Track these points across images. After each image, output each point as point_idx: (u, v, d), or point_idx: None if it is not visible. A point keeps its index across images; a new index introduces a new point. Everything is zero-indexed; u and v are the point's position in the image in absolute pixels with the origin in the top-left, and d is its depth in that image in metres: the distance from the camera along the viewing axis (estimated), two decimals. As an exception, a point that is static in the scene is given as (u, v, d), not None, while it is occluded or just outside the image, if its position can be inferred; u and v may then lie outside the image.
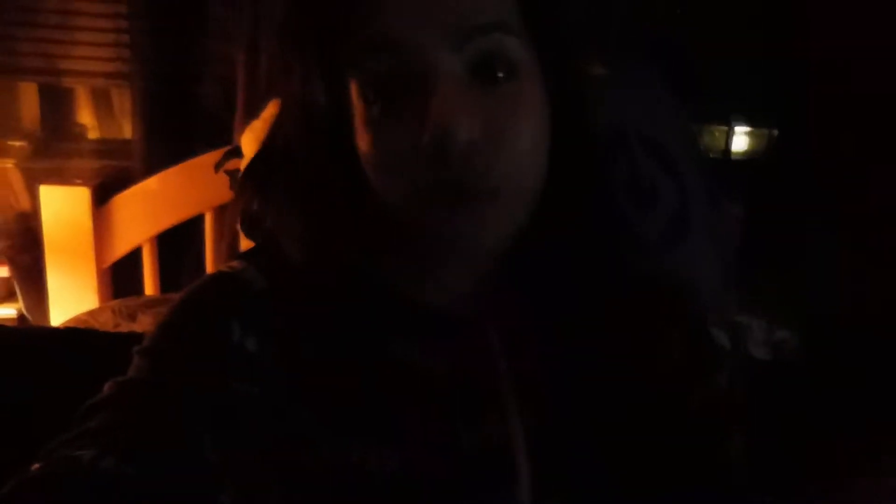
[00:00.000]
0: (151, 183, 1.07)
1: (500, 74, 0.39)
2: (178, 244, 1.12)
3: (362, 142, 0.40)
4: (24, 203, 1.13)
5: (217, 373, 0.40)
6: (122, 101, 1.23)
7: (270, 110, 0.85)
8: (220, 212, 1.08)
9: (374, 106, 0.39)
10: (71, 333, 0.59)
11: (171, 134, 1.11)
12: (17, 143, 1.17)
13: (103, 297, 1.10)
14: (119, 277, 1.15)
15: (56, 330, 0.57)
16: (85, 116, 1.26)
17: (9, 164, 1.11)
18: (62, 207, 1.03)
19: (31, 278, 1.10)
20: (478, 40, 0.38)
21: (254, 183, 0.47)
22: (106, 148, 1.22)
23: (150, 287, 1.10)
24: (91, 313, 0.87)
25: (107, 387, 0.39)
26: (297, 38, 0.42)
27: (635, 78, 0.80)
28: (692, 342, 0.47)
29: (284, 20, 0.45)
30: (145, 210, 1.08)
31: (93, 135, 1.25)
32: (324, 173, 0.43)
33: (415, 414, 0.40)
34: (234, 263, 0.46)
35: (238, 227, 0.48)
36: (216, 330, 0.41)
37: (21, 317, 1.09)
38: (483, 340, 0.42)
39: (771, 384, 0.60)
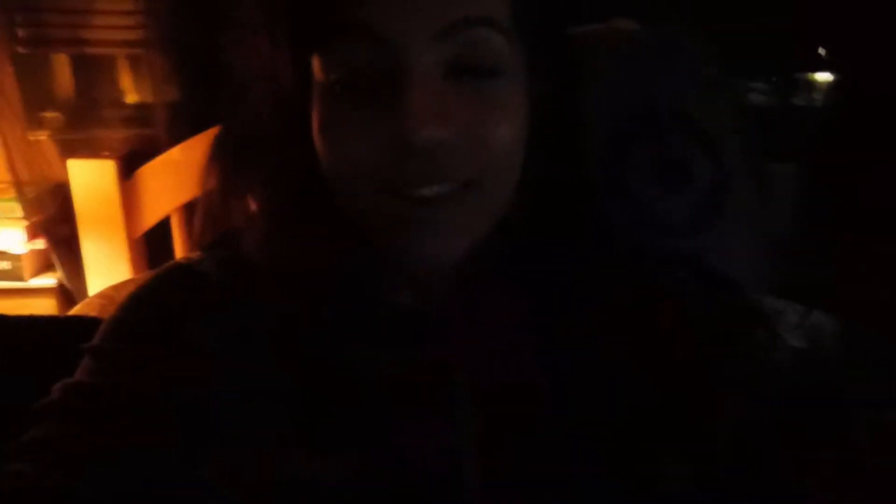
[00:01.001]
0: (175, 153, 1.07)
1: (482, 70, 0.36)
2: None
3: (322, 132, 0.38)
4: (60, 174, 1.16)
5: (171, 374, 0.38)
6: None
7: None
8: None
9: (340, 94, 0.37)
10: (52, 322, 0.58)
11: (195, 102, 1.11)
12: (51, 115, 1.19)
13: (137, 267, 1.12)
14: (154, 247, 1.17)
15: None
16: (121, 84, 1.26)
17: (42, 135, 1.13)
18: (90, 180, 1.04)
19: (69, 249, 1.13)
20: (462, 34, 0.36)
21: (218, 165, 0.45)
22: (142, 115, 1.23)
23: (180, 256, 1.11)
24: (115, 287, 0.88)
25: (55, 389, 0.38)
26: (270, 11, 0.39)
27: (669, 48, 0.73)
28: (704, 336, 0.42)
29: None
30: (171, 180, 1.08)
31: (131, 101, 1.26)
32: (288, 160, 0.40)
33: (362, 419, 0.38)
34: (193, 254, 0.44)
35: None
36: (170, 327, 0.39)
37: (61, 286, 1.12)
38: (443, 343, 0.39)
39: (803, 372, 0.55)
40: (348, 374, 0.39)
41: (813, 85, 1.15)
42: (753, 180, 0.78)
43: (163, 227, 1.17)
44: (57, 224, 1.09)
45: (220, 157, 0.45)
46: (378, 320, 0.40)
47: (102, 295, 0.93)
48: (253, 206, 0.43)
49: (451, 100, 0.36)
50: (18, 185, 1.04)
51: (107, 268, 1.12)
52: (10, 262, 1.06)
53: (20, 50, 1.10)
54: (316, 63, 0.37)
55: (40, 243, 1.07)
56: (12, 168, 1.04)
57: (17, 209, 1.05)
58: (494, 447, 0.39)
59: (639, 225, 0.67)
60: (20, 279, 1.07)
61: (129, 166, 1.11)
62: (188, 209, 1.05)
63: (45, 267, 1.12)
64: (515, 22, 0.37)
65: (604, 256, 0.42)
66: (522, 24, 0.38)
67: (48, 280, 1.10)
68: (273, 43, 0.39)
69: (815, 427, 0.47)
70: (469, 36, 0.36)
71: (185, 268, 0.43)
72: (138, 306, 0.42)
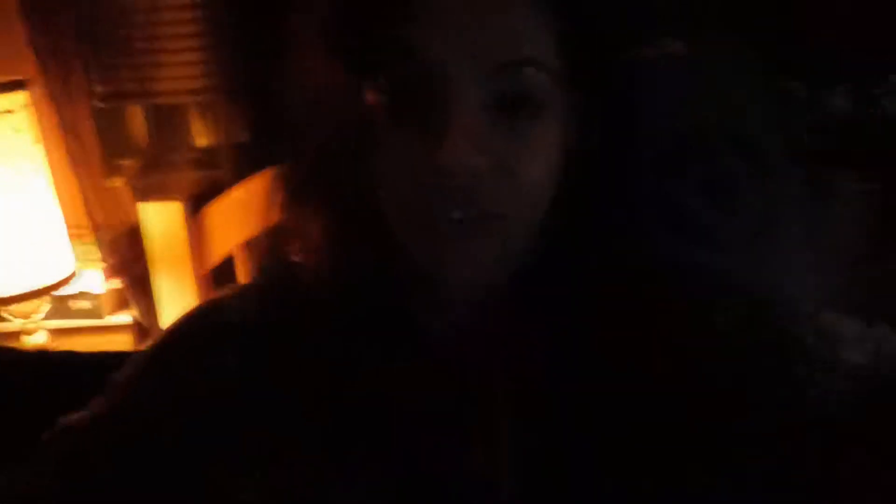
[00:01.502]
0: (238, 192, 1.12)
1: (524, 108, 0.37)
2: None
3: (375, 156, 0.39)
4: (134, 218, 1.24)
5: (187, 412, 0.40)
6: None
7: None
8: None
9: (390, 118, 0.38)
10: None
11: (257, 141, 1.16)
12: (127, 162, 1.27)
13: (206, 302, 1.18)
14: (221, 281, 1.23)
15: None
16: (189, 130, 1.35)
17: (119, 182, 1.21)
18: (159, 221, 1.10)
19: (143, 288, 1.20)
20: (511, 73, 0.36)
21: (281, 200, 0.47)
22: (208, 158, 1.30)
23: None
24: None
25: (64, 420, 0.40)
26: (327, 39, 0.41)
27: (717, 66, 0.72)
28: (733, 369, 0.41)
29: (325, 20, 0.43)
30: (234, 218, 1.13)
31: (198, 145, 1.34)
32: (347, 187, 0.42)
33: (396, 445, 0.38)
34: (224, 291, 0.46)
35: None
36: (194, 365, 0.41)
37: (137, 323, 1.19)
38: (481, 370, 0.39)
39: (865, 390, 0.51)
40: (380, 400, 0.40)
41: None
42: (814, 196, 0.75)
43: (229, 264, 1.24)
44: (132, 264, 1.16)
45: (283, 191, 0.47)
46: (412, 345, 0.41)
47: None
48: (314, 237, 0.44)
49: (493, 133, 0.36)
50: (96, 230, 1.12)
51: (177, 304, 1.18)
52: (90, 302, 1.13)
53: (98, 104, 1.19)
54: (369, 88, 0.38)
55: (117, 283, 1.14)
56: (90, 214, 1.12)
57: (96, 252, 1.12)
58: (529, 470, 0.39)
59: (689, 243, 0.66)
60: (99, 317, 1.14)
61: (196, 207, 1.18)
62: (251, 245, 1.11)
63: (122, 305, 1.19)
64: (561, 63, 0.38)
65: (633, 283, 0.41)
66: (568, 66, 0.38)
67: (125, 317, 1.17)
68: (330, 70, 0.40)
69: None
70: (519, 76, 0.36)
71: (212, 306, 0.45)
72: (165, 344, 0.44)
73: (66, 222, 1.04)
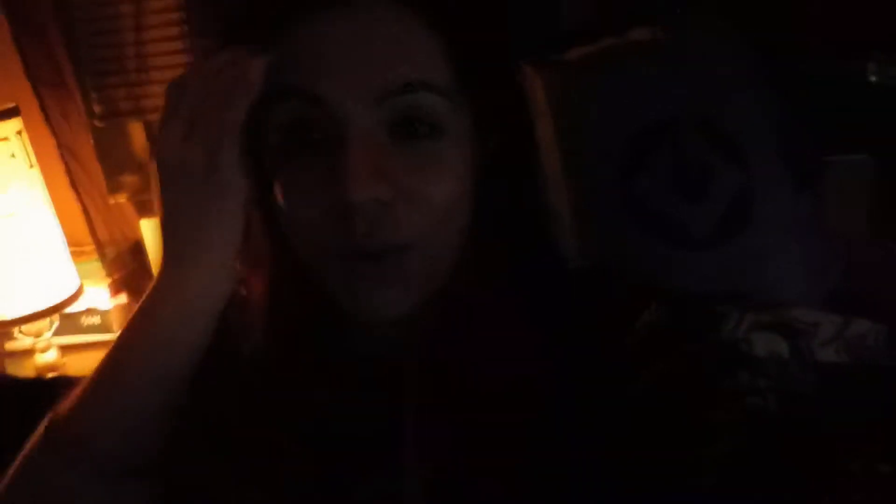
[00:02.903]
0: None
1: (423, 132, 0.37)
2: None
3: (276, 193, 0.40)
4: (138, 233, 1.26)
5: None
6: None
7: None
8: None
9: (287, 155, 0.38)
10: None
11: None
12: (130, 178, 1.29)
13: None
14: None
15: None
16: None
17: (122, 198, 1.24)
18: (161, 236, 1.12)
19: (149, 301, 1.22)
20: (401, 98, 0.36)
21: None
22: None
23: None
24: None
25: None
26: None
27: (691, 53, 0.70)
28: (673, 379, 0.40)
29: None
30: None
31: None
32: (263, 221, 0.43)
33: (310, 465, 0.39)
34: None
35: None
36: None
37: (145, 335, 1.22)
38: (394, 391, 0.40)
39: (835, 388, 0.51)
40: (306, 422, 0.40)
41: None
42: (797, 179, 0.73)
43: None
44: (137, 279, 1.19)
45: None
46: (340, 369, 0.41)
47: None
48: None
49: (392, 160, 0.36)
50: (99, 247, 1.14)
51: (182, 315, 1.20)
52: (99, 317, 1.16)
53: (97, 123, 1.21)
54: (266, 127, 0.39)
55: (123, 298, 1.16)
56: (94, 231, 1.14)
57: (101, 269, 1.15)
58: (441, 497, 0.39)
59: (659, 237, 0.65)
60: (109, 331, 1.17)
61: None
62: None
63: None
64: (456, 84, 0.38)
65: (567, 295, 0.41)
66: (463, 86, 0.38)
67: (133, 331, 1.20)
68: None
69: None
70: (409, 100, 0.36)
71: None
72: None
73: (71, 241, 1.06)
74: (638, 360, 0.41)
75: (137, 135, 1.34)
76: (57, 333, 1.09)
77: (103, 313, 1.16)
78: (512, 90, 0.42)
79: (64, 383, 0.46)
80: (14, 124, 0.93)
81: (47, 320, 1.03)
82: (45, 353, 1.06)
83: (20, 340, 1.07)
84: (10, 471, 0.41)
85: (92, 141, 1.18)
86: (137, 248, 1.19)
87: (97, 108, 1.20)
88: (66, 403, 0.41)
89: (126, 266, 1.17)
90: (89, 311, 1.15)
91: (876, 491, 0.42)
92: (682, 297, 0.49)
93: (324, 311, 0.42)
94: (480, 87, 0.39)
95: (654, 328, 0.43)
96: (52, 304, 0.99)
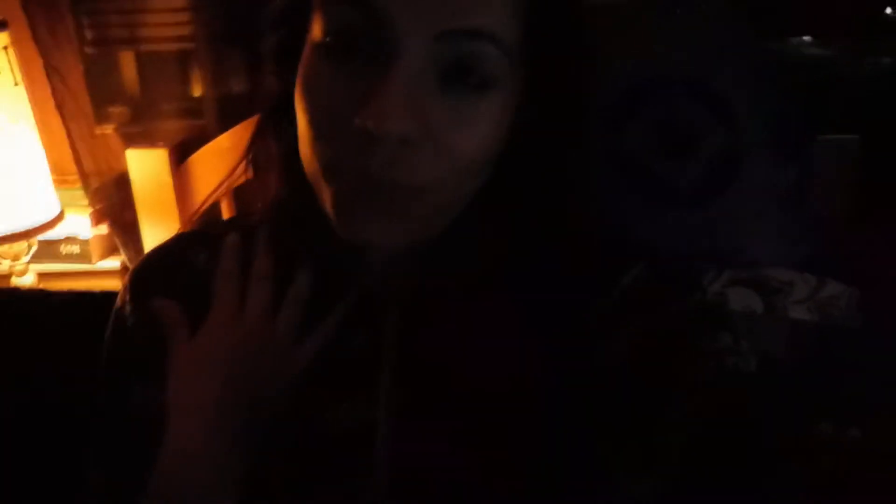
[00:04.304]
0: (222, 140, 1.12)
1: (473, 82, 0.35)
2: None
3: (303, 89, 0.37)
4: (123, 165, 1.24)
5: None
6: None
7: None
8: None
9: (328, 56, 0.36)
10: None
11: (240, 91, 1.16)
12: (117, 109, 1.27)
13: (193, 250, 1.19)
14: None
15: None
16: (178, 78, 1.34)
17: (109, 129, 1.22)
18: (146, 168, 1.11)
19: (131, 233, 1.21)
20: (463, 44, 0.34)
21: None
22: (196, 107, 1.30)
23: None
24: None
25: None
26: None
27: (680, 9, 0.69)
28: (656, 337, 0.40)
29: None
30: (219, 166, 1.14)
31: (187, 94, 1.33)
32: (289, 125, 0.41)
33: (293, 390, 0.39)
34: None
35: None
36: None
37: (125, 268, 1.21)
38: (377, 320, 0.40)
39: (809, 346, 0.51)
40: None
41: (879, 49, 1.05)
42: (784, 149, 0.73)
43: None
44: (120, 210, 1.18)
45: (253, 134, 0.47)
46: (332, 296, 0.41)
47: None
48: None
49: (432, 103, 0.35)
50: (83, 176, 1.13)
51: (164, 250, 1.20)
52: (79, 246, 1.15)
53: (88, 50, 1.19)
54: (312, 21, 0.37)
55: (104, 228, 1.15)
56: (77, 160, 1.12)
57: (83, 197, 1.14)
58: (412, 427, 0.39)
59: (642, 193, 0.65)
60: (88, 261, 1.16)
61: (184, 155, 1.19)
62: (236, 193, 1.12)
63: (111, 250, 1.21)
64: (520, 44, 0.36)
65: (563, 256, 0.41)
66: (528, 46, 0.36)
67: (114, 262, 1.19)
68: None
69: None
70: (469, 47, 0.34)
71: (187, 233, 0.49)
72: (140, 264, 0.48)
73: (54, 168, 1.05)
74: (618, 317, 0.41)
75: (128, 65, 1.32)
76: (35, 259, 1.08)
77: (83, 242, 1.15)
78: (572, 62, 0.39)
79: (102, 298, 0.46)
80: (0, 38, 0.91)
81: (24, 244, 1.02)
82: (21, 276, 1.05)
83: (-2, 263, 1.06)
84: None
85: (82, 67, 1.16)
86: (122, 180, 1.17)
87: (88, 34, 1.17)
88: None
89: (109, 197, 1.16)
90: (69, 240, 1.13)
91: (845, 454, 0.43)
92: (663, 255, 0.49)
93: (322, 230, 0.41)
94: (544, 53, 0.37)
95: (635, 286, 0.43)
96: (30, 227, 0.98)
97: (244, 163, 0.46)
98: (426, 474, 0.38)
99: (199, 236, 0.48)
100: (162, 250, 0.48)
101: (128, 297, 0.45)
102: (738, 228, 0.66)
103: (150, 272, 0.47)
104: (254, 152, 0.46)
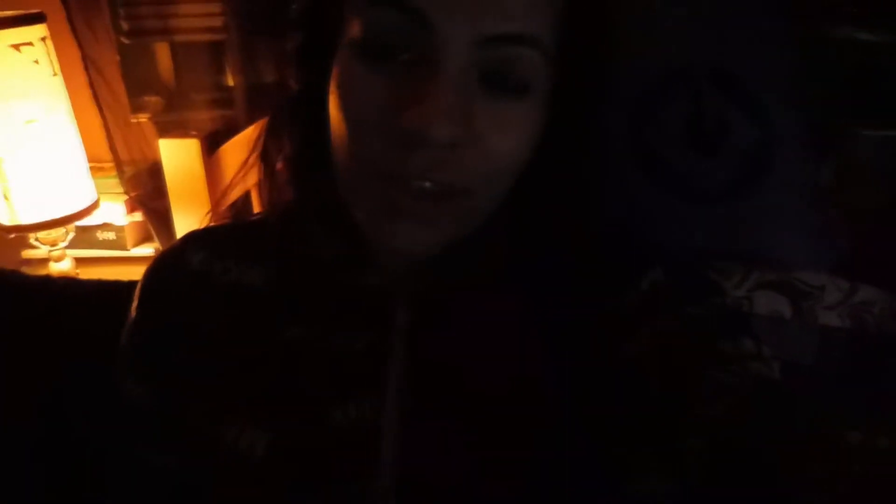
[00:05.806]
0: (253, 131, 1.13)
1: (510, 86, 0.36)
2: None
3: (339, 90, 0.37)
4: (157, 154, 1.27)
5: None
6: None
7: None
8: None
9: (362, 56, 0.36)
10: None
11: (271, 81, 1.17)
12: (152, 99, 1.29)
13: (224, 238, 1.21)
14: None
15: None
16: (211, 68, 1.36)
17: (144, 118, 1.24)
18: (178, 157, 1.13)
19: (164, 221, 1.24)
20: (506, 48, 0.35)
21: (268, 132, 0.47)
22: (228, 97, 1.31)
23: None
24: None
25: None
26: None
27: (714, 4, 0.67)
28: (677, 342, 0.40)
29: None
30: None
31: (220, 84, 1.35)
32: (314, 121, 0.41)
33: (291, 389, 0.39)
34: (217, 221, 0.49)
35: None
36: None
37: (158, 255, 1.24)
38: (385, 320, 0.40)
39: (839, 354, 0.50)
40: (295, 347, 0.40)
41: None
42: (819, 145, 0.71)
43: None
44: (154, 198, 1.20)
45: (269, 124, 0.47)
46: (343, 298, 0.41)
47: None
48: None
49: (476, 107, 0.35)
50: (118, 164, 1.15)
51: (196, 238, 1.22)
52: (114, 233, 1.18)
53: (124, 40, 1.21)
54: (352, 20, 0.36)
55: (139, 216, 1.18)
56: (113, 149, 1.15)
57: (118, 185, 1.16)
58: (419, 428, 0.39)
59: (667, 190, 0.63)
60: (124, 248, 1.19)
61: (215, 145, 1.20)
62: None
63: (146, 237, 1.24)
64: (556, 40, 0.36)
65: (578, 258, 0.40)
66: (563, 48, 0.36)
67: (148, 249, 1.22)
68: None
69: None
70: (512, 51, 0.35)
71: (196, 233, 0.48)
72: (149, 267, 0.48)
73: (90, 156, 1.07)
74: (634, 322, 0.41)
75: (163, 55, 1.34)
76: (72, 246, 1.11)
77: (118, 229, 1.18)
78: (602, 63, 0.40)
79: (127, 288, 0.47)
80: (39, 30, 0.93)
81: (62, 230, 1.05)
82: (59, 262, 1.08)
83: (36, 249, 1.09)
84: None
85: (118, 57, 1.18)
86: (155, 169, 1.20)
87: (124, 25, 1.19)
88: None
89: (143, 185, 1.18)
90: (105, 226, 1.16)
91: (874, 464, 0.42)
92: (687, 257, 0.48)
93: (332, 231, 0.41)
94: (579, 55, 0.37)
95: (653, 289, 0.42)
96: (67, 214, 1.00)
97: (255, 158, 0.46)
98: (433, 476, 0.38)
99: (204, 236, 0.48)
100: (169, 252, 0.49)
101: (136, 303, 0.46)
102: (767, 227, 0.64)
103: (156, 274, 0.47)
104: (266, 149, 0.46)
